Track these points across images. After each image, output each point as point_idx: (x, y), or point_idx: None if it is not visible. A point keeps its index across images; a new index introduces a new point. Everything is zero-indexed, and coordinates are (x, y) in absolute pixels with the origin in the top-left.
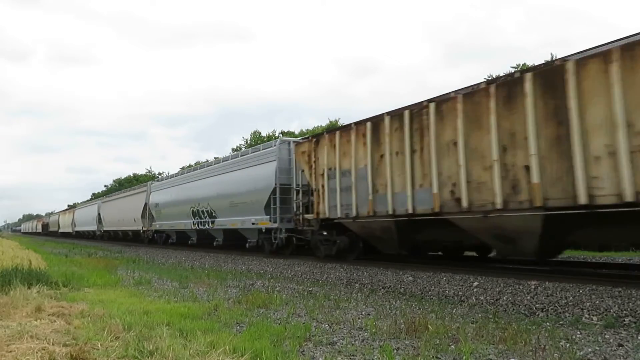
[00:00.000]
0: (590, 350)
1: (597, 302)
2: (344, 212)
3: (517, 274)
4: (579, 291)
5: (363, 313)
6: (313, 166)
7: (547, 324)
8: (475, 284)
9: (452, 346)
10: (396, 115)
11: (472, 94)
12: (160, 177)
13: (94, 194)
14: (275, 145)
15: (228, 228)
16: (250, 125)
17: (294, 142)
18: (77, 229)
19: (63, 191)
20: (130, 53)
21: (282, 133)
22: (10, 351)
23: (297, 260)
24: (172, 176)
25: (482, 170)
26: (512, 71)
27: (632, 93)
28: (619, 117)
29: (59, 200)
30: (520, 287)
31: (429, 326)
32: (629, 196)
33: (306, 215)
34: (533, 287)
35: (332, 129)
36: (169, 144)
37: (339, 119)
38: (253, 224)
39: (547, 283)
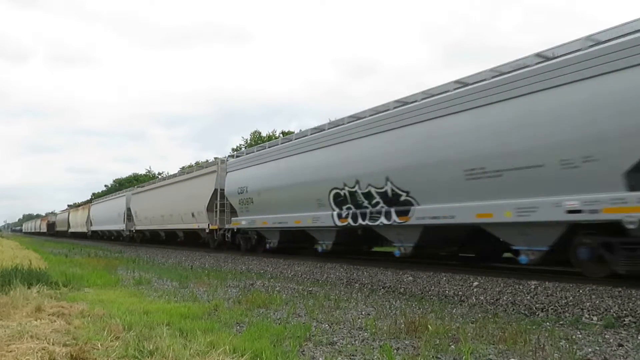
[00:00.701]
0: (590, 350)
1: (597, 302)
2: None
3: (517, 274)
4: (579, 291)
5: (363, 313)
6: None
7: (547, 323)
8: (475, 283)
9: (452, 346)
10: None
11: None
12: (238, 151)
13: (93, 194)
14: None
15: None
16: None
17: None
18: (94, 228)
19: (63, 191)
20: (130, 53)
21: (282, 133)
22: (10, 351)
23: (296, 260)
24: (268, 146)
25: None
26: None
27: None
28: None
29: (59, 200)
30: (520, 287)
31: (429, 326)
32: None
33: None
34: (533, 287)
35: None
36: (168, 144)
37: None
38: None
39: (547, 283)
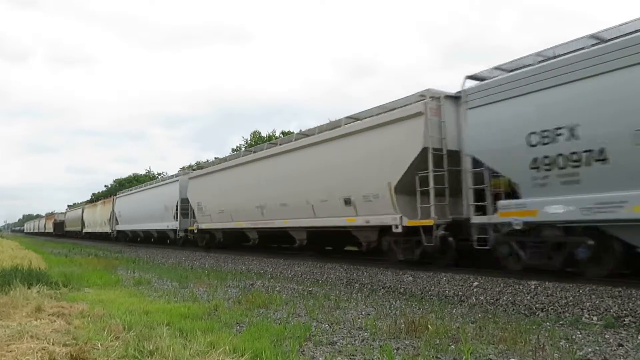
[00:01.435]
0: (590, 350)
1: (597, 302)
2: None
3: (517, 274)
4: (579, 291)
5: (363, 313)
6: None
7: (547, 323)
8: (475, 284)
9: (452, 346)
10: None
11: None
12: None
13: (93, 194)
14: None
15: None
16: (249, 126)
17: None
18: (123, 227)
19: (63, 191)
20: (130, 54)
21: (282, 133)
22: (10, 351)
23: (296, 260)
24: None
25: None
26: None
27: None
28: None
29: (59, 200)
30: (520, 287)
31: (429, 326)
32: None
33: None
34: (533, 287)
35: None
36: (168, 144)
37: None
38: None
39: (547, 283)
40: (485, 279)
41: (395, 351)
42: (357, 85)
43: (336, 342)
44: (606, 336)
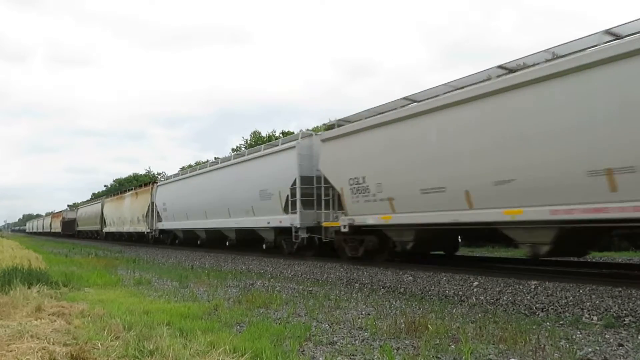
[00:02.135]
0: (590, 350)
1: (597, 302)
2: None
3: (517, 274)
4: (579, 291)
5: (363, 313)
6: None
7: (547, 323)
8: (475, 283)
9: (452, 346)
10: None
11: None
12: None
13: (93, 194)
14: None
15: None
16: (249, 126)
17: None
18: (169, 225)
19: (63, 191)
20: (130, 54)
21: (282, 133)
22: (11, 351)
23: (296, 260)
24: None
25: None
26: None
27: None
28: None
29: (59, 200)
30: (520, 287)
31: (429, 326)
32: None
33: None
34: (533, 287)
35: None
36: (168, 144)
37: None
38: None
39: (547, 283)
40: (485, 278)
41: (395, 351)
42: (357, 85)
43: (336, 342)
44: (606, 336)
